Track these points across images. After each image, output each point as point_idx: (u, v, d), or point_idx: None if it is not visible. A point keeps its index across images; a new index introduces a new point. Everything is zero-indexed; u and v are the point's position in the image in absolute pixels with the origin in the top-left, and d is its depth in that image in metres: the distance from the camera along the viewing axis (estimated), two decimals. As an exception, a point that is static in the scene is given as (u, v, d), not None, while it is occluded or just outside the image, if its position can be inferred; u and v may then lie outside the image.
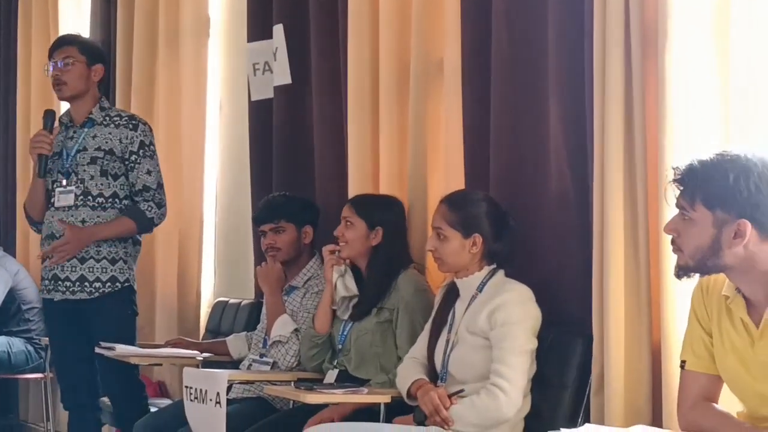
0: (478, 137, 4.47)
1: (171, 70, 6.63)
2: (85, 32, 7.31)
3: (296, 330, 4.77)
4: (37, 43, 7.75)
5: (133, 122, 5.36)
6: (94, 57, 5.43)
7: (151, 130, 5.43)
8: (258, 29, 5.92)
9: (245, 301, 5.87)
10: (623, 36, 3.72)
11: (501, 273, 4.03)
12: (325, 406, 4.17)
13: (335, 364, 4.53)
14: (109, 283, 5.27)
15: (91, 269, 5.26)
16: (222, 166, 6.60)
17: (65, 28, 7.50)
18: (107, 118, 5.36)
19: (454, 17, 4.55)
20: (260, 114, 5.90)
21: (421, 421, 3.86)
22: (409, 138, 4.83)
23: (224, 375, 4.33)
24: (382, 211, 4.59)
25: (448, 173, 4.61)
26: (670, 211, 3.19)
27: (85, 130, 5.35)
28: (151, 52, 6.74)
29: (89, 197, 5.27)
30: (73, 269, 5.26)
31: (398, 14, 4.90)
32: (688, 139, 3.53)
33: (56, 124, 5.43)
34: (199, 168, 6.47)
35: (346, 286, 4.53)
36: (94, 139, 5.31)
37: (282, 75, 5.69)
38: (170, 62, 6.64)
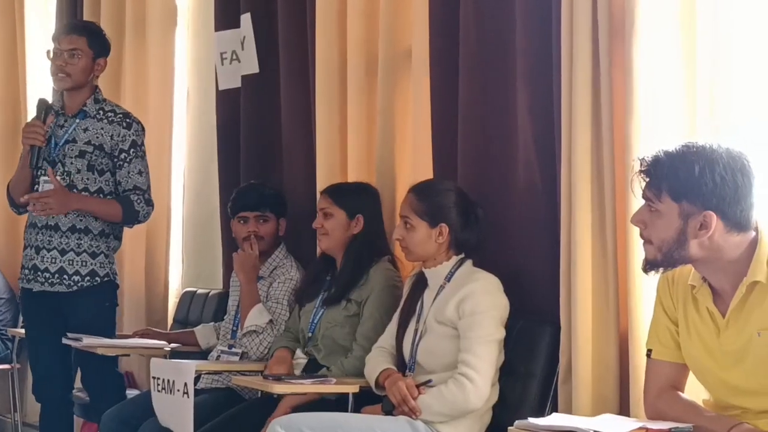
0: (446, 127, 4.47)
1: (138, 59, 6.59)
2: (50, 20, 7.29)
3: (271, 321, 4.77)
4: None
5: (128, 120, 5.28)
6: (102, 51, 5.33)
7: (143, 130, 5.34)
8: (225, 18, 5.90)
9: (213, 292, 5.86)
10: (591, 27, 3.73)
11: (469, 263, 4.04)
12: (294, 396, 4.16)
13: (304, 352, 4.52)
14: (88, 277, 5.22)
15: (70, 262, 5.21)
16: (189, 156, 6.57)
17: (31, 15, 7.45)
18: (101, 112, 5.28)
19: (422, 7, 4.55)
20: (228, 103, 5.89)
21: (389, 411, 3.87)
22: (377, 127, 4.83)
23: (192, 366, 4.32)
24: (360, 197, 4.59)
25: (415, 163, 4.61)
26: (637, 201, 3.20)
27: (77, 120, 5.27)
28: (118, 40, 6.67)
29: (74, 190, 5.20)
30: (53, 261, 5.21)
31: (366, 3, 4.89)
32: (655, 130, 3.54)
33: (51, 114, 5.34)
34: (166, 158, 6.44)
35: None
36: (85, 132, 5.23)
37: (250, 64, 5.67)
38: (137, 51, 6.60)
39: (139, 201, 5.19)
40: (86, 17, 6.85)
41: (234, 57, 5.82)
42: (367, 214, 4.55)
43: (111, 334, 5.25)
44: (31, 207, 5.15)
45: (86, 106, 5.28)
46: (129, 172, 5.21)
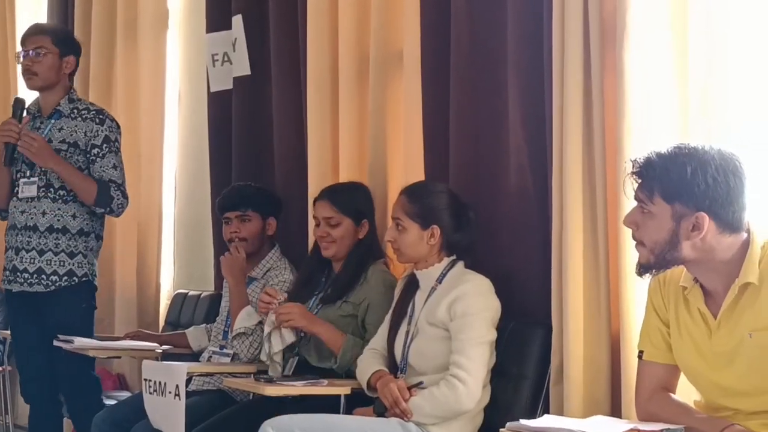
0: (437, 129, 4.48)
1: (129, 61, 6.59)
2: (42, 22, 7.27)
3: (260, 322, 4.76)
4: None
5: (101, 116, 5.31)
6: (68, 48, 5.37)
7: (118, 128, 5.37)
8: (217, 20, 5.90)
9: (205, 293, 5.85)
10: (582, 29, 3.73)
11: (461, 264, 4.04)
12: (285, 397, 4.15)
13: (295, 353, 4.52)
14: (66, 277, 5.23)
15: (49, 262, 5.22)
16: (181, 158, 6.57)
17: (22, 17, 7.44)
18: (75, 111, 5.31)
19: (414, 8, 4.55)
20: (219, 105, 5.88)
21: (381, 413, 3.87)
22: (368, 129, 4.83)
23: (183, 368, 4.32)
24: (362, 201, 4.59)
25: (407, 164, 4.61)
26: (628, 203, 3.20)
27: (52, 121, 5.29)
28: (110, 42, 6.70)
29: (51, 189, 5.22)
30: (32, 261, 5.23)
31: (358, 5, 4.89)
32: (646, 132, 3.54)
33: (25, 113, 5.37)
34: (157, 159, 6.44)
35: (282, 337, 4.39)
36: (59, 132, 5.26)
37: (241, 66, 5.67)
38: (129, 53, 6.60)
39: (115, 190, 5.20)
40: (77, 20, 6.87)
41: (225, 59, 5.82)
42: (371, 217, 4.56)
43: (89, 335, 5.25)
44: (20, 141, 5.19)
45: (60, 106, 5.32)
46: (102, 167, 5.23)
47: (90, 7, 6.81)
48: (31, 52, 5.29)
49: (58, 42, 5.35)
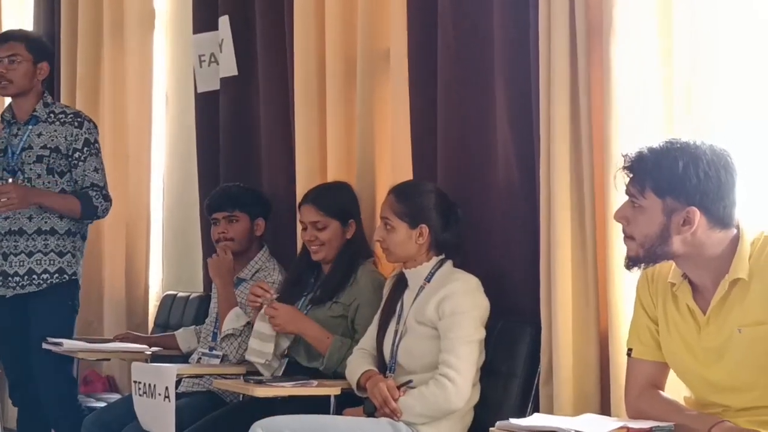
0: (425, 127, 4.47)
1: (116, 63, 6.57)
2: (28, 24, 7.25)
3: (248, 323, 4.74)
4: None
5: (78, 120, 5.33)
6: (41, 55, 5.39)
7: (96, 128, 5.40)
8: (204, 21, 5.89)
9: (194, 295, 5.84)
10: (568, 26, 3.73)
11: (449, 263, 4.04)
12: (275, 399, 4.15)
13: (285, 354, 4.50)
14: (57, 275, 5.25)
15: (38, 262, 5.23)
16: (168, 159, 6.56)
17: (8, 19, 7.42)
18: (52, 115, 5.32)
19: (401, 8, 4.55)
20: (207, 106, 5.87)
21: (371, 413, 3.86)
22: (356, 128, 4.82)
23: (173, 369, 4.31)
24: (348, 202, 4.57)
25: (395, 163, 4.61)
26: (616, 199, 3.21)
27: (30, 127, 5.30)
28: (96, 44, 6.68)
29: None
30: (21, 264, 5.23)
31: (344, 4, 4.89)
32: (633, 128, 3.54)
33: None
34: (145, 160, 6.43)
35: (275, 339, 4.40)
36: (39, 137, 5.27)
37: (228, 66, 5.66)
38: (115, 54, 6.58)
39: (97, 196, 5.24)
40: (63, 22, 6.85)
41: (212, 59, 5.81)
42: (357, 217, 4.55)
43: (70, 334, 5.25)
44: None
45: (36, 112, 5.33)
46: (84, 170, 5.26)
47: (76, 8, 6.79)
48: (5, 59, 5.30)
49: (32, 48, 5.37)
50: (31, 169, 5.24)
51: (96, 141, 5.34)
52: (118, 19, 6.57)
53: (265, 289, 4.38)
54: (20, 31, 5.90)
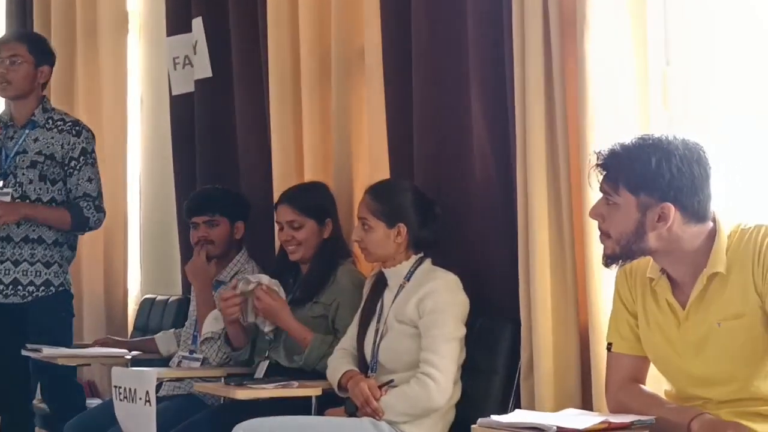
0: (401, 125, 4.47)
1: (90, 66, 6.56)
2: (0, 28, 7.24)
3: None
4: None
5: (77, 128, 5.28)
6: (43, 58, 5.32)
7: (93, 138, 5.35)
8: (177, 23, 5.88)
9: (173, 298, 5.83)
10: (542, 21, 3.73)
11: (428, 261, 4.04)
12: (256, 401, 4.14)
13: (266, 355, 4.50)
14: (42, 287, 5.21)
15: (24, 272, 5.19)
16: (144, 162, 6.55)
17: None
18: (50, 121, 5.27)
19: (374, 5, 4.55)
20: (182, 108, 5.86)
21: (352, 413, 3.86)
22: (332, 127, 4.82)
23: (153, 373, 4.29)
24: (324, 201, 4.56)
25: (372, 162, 4.61)
26: (593, 195, 3.21)
27: (26, 131, 5.25)
28: (70, 47, 6.66)
29: (27, 201, 5.19)
30: (7, 272, 5.19)
31: (317, 3, 4.89)
32: (608, 122, 3.55)
33: None
34: (121, 164, 6.42)
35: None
36: (35, 143, 5.22)
37: (202, 68, 5.65)
38: (89, 57, 6.57)
39: (88, 207, 5.19)
40: (36, 25, 6.82)
41: (187, 61, 5.80)
42: (334, 216, 4.54)
43: (69, 344, 5.22)
44: None
45: (35, 116, 5.26)
46: (79, 180, 5.21)
47: (49, 12, 6.77)
48: (6, 60, 5.22)
49: (35, 51, 5.29)
50: (23, 174, 5.18)
51: (93, 151, 5.29)
52: (92, 22, 6.55)
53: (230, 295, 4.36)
54: (24, 31, 5.86)
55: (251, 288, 4.34)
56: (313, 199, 4.54)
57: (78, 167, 5.21)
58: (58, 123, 5.27)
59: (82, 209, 5.19)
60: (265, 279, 4.39)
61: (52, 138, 5.22)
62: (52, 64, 5.39)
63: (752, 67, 3.48)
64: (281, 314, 4.34)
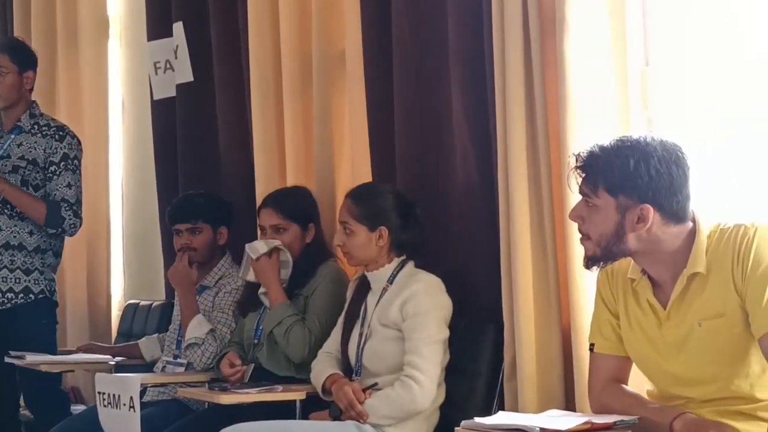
0: (383, 128, 4.48)
1: (71, 72, 6.54)
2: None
3: (211, 330, 4.73)
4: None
5: (60, 133, 5.26)
6: (26, 64, 5.30)
7: (79, 144, 5.32)
8: (158, 27, 5.87)
9: (156, 303, 5.82)
10: (522, 24, 3.74)
11: (411, 264, 4.04)
12: (241, 405, 4.14)
13: (250, 360, 4.50)
14: (22, 294, 5.19)
15: (4, 279, 5.17)
16: (126, 167, 6.54)
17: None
18: (36, 126, 5.26)
19: (354, 7, 4.55)
20: (163, 113, 5.85)
21: (337, 416, 3.86)
22: (314, 131, 4.82)
23: (136, 379, 4.29)
24: (306, 205, 4.56)
25: (354, 165, 4.61)
26: (574, 197, 3.21)
27: (12, 136, 5.23)
28: (50, 53, 6.64)
29: (8, 206, 5.17)
30: None
31: (298, 6, 4.88)
32: (589, 124, 3.56)
33: None
34: (103, 170, 6.40)
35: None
36: (18, 148, 5.20)
37: (184, 73, 5.65)
38: (70, 63, 6.55)
39: (66, 209, 5.16)
40: (17, 31, 6.80)
41: (168, 66, 5.79)
42: (316, 221, 4.54)
43: (52, 351, 5.20)
44: None
45: (20, 122, 5.24)
46: (57, 184, 5.19)
47: (29, 18, 6.75)
48: None
49: (17, 59, 5.27)
50: (5, 179, 5.18)
51: (76, 158, 5.26)
52: (72, 27, 6.54)
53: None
54: (2, 40, 5.82)
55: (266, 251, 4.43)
56: (297, 204, 4.54)
57: (58, 172, 5.19)
58: (44, 128, 5.26)
59: (61, 208, 5.17)
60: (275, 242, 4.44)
61: (36, 143, 5.21)
62: (35, 68, 5.37)
63: (730, 67, 3.49)
64: (270, 273, 4.39)
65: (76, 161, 5.26)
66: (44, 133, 5.23)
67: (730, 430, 2.90)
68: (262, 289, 4.48)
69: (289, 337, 4.28)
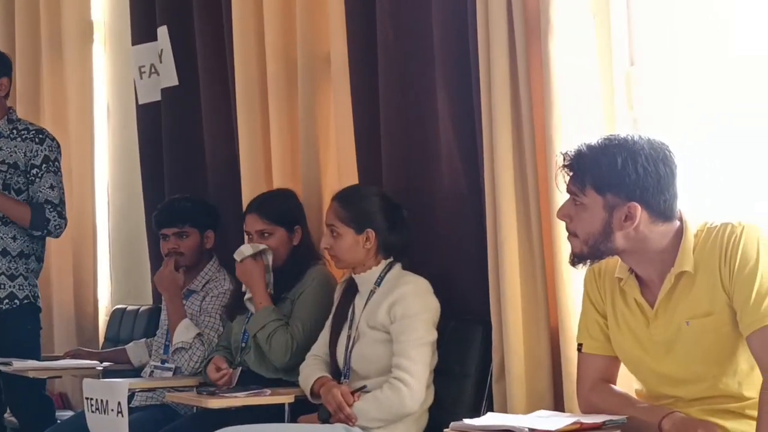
0: (369, 131, 4.47)
1: (55, 77, 6.53)
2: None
3: (199, 335, 4.72)
4: None
5: (40, 136, 5.26)
6: (0, 71, 5.30)
7: (58, 146, 5.33)
8: (142, 32, 5.86)
9: (143, 308, 5.81)
10: (506, 27, 3.74)
11: (398, 266, 4.04)
12: (229, 409, 4.14)
13: (238, 363, 4.49)
14: (6, 300, 5.18)
15: None
16: (112, 172, 6.52)
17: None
18: (14, 131, 5.25)
19: (339, 11, 4.55)
20: (149, 117, 5.84)
21: (325, 419, 3.86)
22: (300, 134, 4.82)
23: (124, 384, 4.27)
24: (292, 209, 4.56)
25: (340, 168, 4.61)
26: (561, 196, 3.21)
27: None
28: (35, 58, 6.63)
29: None
30: None
31: (282, 10, 4.88)
32: (575, 125, 3.56)
33: None
34: (89, 174, 6.39)
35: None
36: None
37: (168, 77, 5.63)
38: (55, 68, 6.54)
39: (51, 211, 5.15)
40: (0, 37, 6.77)
41: (152, 70, 5.78)
42: (302, 224, 4.54)
43: (37, 357, 5.19)
44: None
45: None
46: (40, 187, 5.20)
47: (12, 23, 6.74)
48: None
49: None
50: None
51: (56, 159, 5.27)
52: (56, 32, 6.52)
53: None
54: None
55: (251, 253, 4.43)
56: (282, 208, 4.54)
57: (40, 175, 5.20)
58: (23, 132, 5.26)
59: (45, 210, 5.17)
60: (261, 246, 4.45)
61: (16, 147, 5.21)
62: (10, 74, 5.36)
63: (714, 66, 3.50)
64: (255, 276, 4.39)
65: (57, 163, 5.27)
66: (23, 136, 5.24)
67: (718, 429, 2.90)
68: (247, 295, 4.47)
69: (272, 342, 4.28)
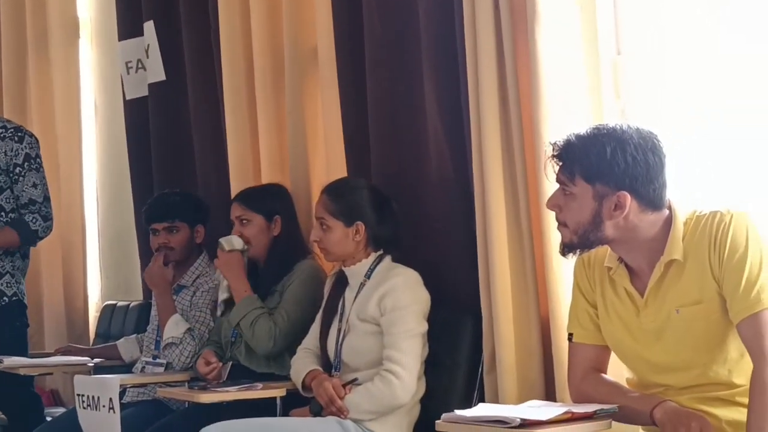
0: (357, 123, 4.47)
1: (42, 73, 6.52)
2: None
3: (189, 329, 4.72)
4: None
5: (19, 134, 5.25)
6: None
7: (37, 143, 5.32)
8: (129, 27, 5.85)
9: (134, 303, 5.80)
10: (493, 16, 3.74)
11: (388, 258, 4.04)
12: (221, 404, 4.14)
13: (228, 358, 4.49)
14: None
15: None
16: (100, 168, 6.52)
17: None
18: None
19: (325, 4, 4.54)
20: (136, 112, 5.84)
21: (317, 412, 3.86)
22: (287, 128, 4.81)
23: (115, 380, 4.28)
24: (273, 199, 4.56)
25: (329, 161, 4.60)
26: (549, 186, 3.22)
27: None
28: (20, 54, 6.62)
29: None
30: None
31: (269, 3, 4.87)
32: (562, 115, 3.57)
33: None
34: (77, 171, 6.38)
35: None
36: None
37: (156, 72, 5.63)
38: (41, 65, 6.53)
39: (35, 219, 5.18)
40: (-14, 32, 6.77)
41: (139, 65, 5.77)
42: (284, 215, 4.53)
43: (24, 354, 5.19)
44: None
45: None
46: (24, 186, 5.20)
47: (-3, 20, 6.73)
48: None
49: None
50: None
51: (37, 156, 5.27)
52: (42, 29, 6.51)
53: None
54: None
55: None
56: (263, 197, 4.55)
57: (23, 173, 5.19)
58: (1, 131, 5.24)
59: (28, 223, 5.17)
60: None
61: None
62: None
63: (702, 59, 3.50)
64: (237, 267, 4.42)
65: (38, 159, 5.28)
66: (2, 136, 5.23)
67: (708, 420, 2.90)
68: (223, 296, 4.47)
69: (255, 329, 4.29)
